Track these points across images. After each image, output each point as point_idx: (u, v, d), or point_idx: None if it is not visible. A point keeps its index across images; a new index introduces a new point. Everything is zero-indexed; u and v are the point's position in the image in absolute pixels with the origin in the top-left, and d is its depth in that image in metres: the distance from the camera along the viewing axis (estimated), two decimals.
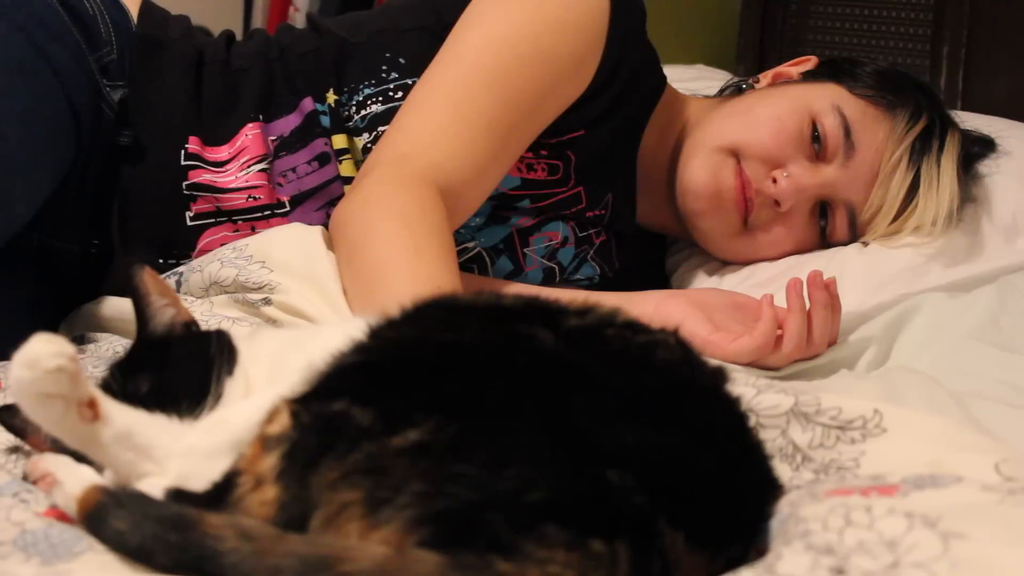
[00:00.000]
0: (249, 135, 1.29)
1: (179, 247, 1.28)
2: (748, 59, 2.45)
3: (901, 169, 1.30)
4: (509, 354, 0.68)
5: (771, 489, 0.71)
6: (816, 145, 1.31)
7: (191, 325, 0.82)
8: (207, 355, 0.75)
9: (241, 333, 0.82)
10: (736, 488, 0.66)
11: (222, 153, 1.29)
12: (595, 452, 0.61)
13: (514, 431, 0.61)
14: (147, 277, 0.80)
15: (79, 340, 1.20)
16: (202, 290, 1.18)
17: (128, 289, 0.81)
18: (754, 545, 0.67)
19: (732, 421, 0.72)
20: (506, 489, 0.58)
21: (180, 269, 1.23)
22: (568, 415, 0.63)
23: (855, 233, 1.35)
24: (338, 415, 0.63)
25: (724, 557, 0.64)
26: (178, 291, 1.21)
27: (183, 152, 1.27)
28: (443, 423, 0.61)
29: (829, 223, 1.35)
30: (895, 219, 1.31)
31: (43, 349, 0.64)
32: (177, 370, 0.76)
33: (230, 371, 0.75)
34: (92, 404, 0.67)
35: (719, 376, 0.76)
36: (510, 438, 0.61)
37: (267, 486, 0.63)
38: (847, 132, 1.30)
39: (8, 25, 1.17)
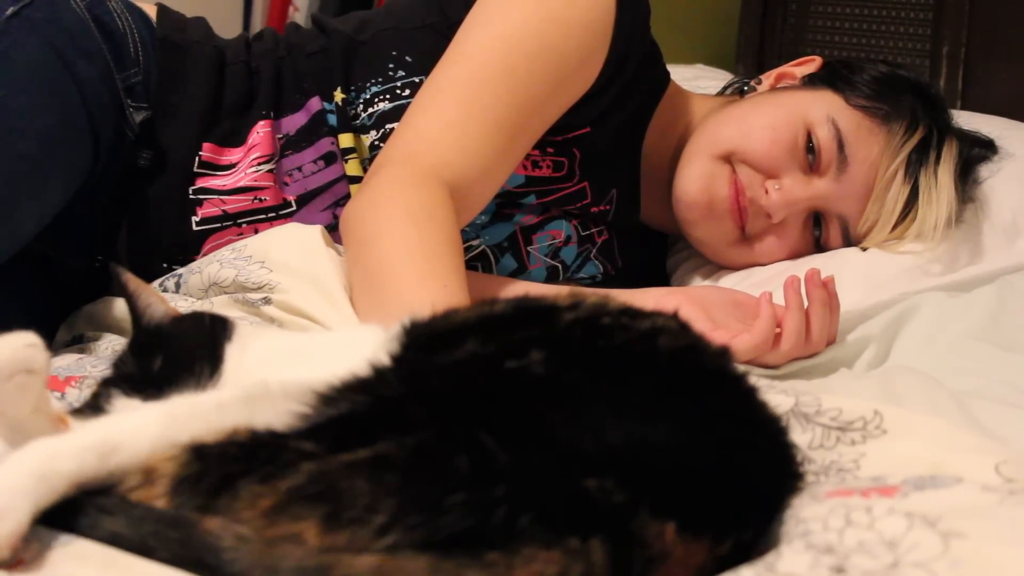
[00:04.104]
0: (260, 132, 1.29)
1: (184, 252, 1.28)
2: (748, 59, 2.45)
3: (897, 183, 1.29)
4: (490, 390, 0.67)
5: (786, 469, 0.71)
6: (810, 156, 1.31)
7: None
8: (206, 328, 0.78)
9: (251, 328, 0.83)
10: (741, 471, 0.66)
11: (236, 155, 1.29)
12: (574, 462, 0.61)
13: (493, 449, 0.61)
14: (130, 278, 0.82)
15: (79, 339, 1.20)
16: (201, 291, 1.18)
17: (116, 289, 0.83)
18: (768, 528, 0.67)
19: (739, 403, 0.72)
20: (484, 499, 0.58)
21: (179, 271, 1.23)
22: (551, 429, 0.63)
23: (849, 243, 1.35)
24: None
25: (731, 541, 0.63)
26: (177, 292, 1.21)
27: (197, 159, 1.28)
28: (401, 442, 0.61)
29: (823, 233, 1.35)
30: (893, 230, 1.31)
31: (13, 337, 0.66)
32: (183, 342, 0.78)
33: (229, 337, 0.78)
34: (63, 420, 0.69)
35: (724, 358, 0.76)
36: (486, 455, 0.61)
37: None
38: (840, 145, 1.30)
39: (40, 41, 1.16)
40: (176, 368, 0.75)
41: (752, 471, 0.67)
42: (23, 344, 0.66)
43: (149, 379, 0.75)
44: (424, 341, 0.74)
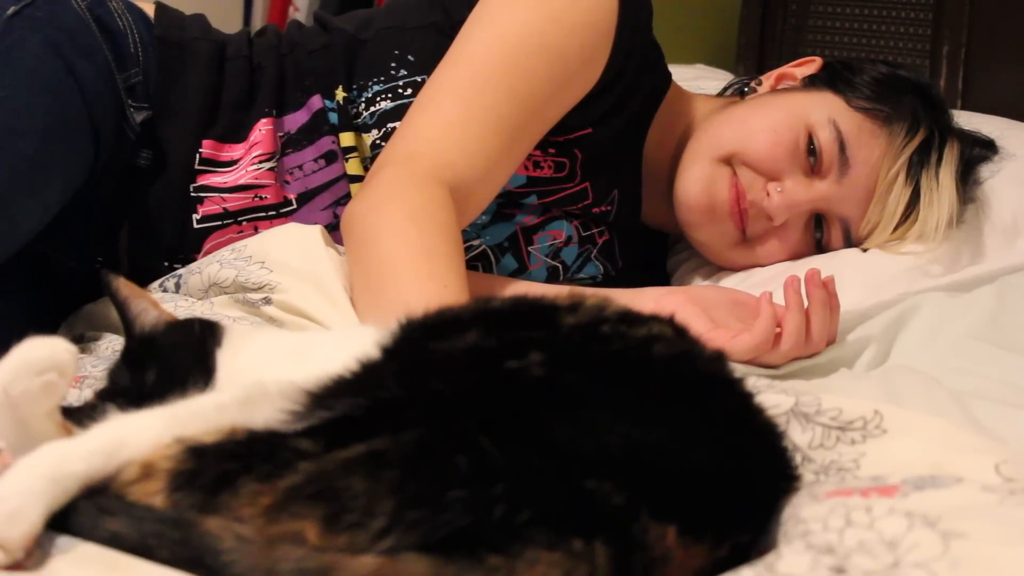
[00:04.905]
0: (262, 130, 1.29)
1: (184, 251, 1.28)
2: (748, 59, 2.45)
3: (898, 185, 1.29)
4: (489, 389, 0.68)
5: (781, 471, 0.71)
6: (812, 158, 1.30)
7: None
8: (196, 337, 0.79)
9: (241, 329, 0.83)
10: (739, 475, 0.66)
11: (237, 151, 1.29)
12: (573, 464, 0.61)
13: (491, 450, 0.61)
14: (121, 284, 0.83)
15: (79, 339, 1.19)
16: (201, 291, 1.18)
17: (108, 296, 0.83)
18: (765, 530, 0.67)
19: (735, 407, 0.72)
20: (483, 495, 0.58)
21: (179, 272, 1.23)
22: (550, 431, 0.63)
23: (850, 245, 1.35)
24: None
25: (730, 543, 0.63)
26: (177, 292, 1.21)
27: (197, 156, 1.27)
28: (399, 437, 0.61)
29: (824, 235, 1.35)
30: (894, 231, 1.31)
31: (51, 340, 0.68)
32: (175, 354, 0.78)
33: (219, 343, 0.78)
34: (67, 428, 0.70)
35: (719, 362, 0.76)
36: (484, 455, 0.61)
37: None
38: (841, 147, 1.30)
39: (41, 40, 1.16)
40: (170, 382, 0.75)
41: (749, 473, 0.68)
42: (62, 347, 0.68)
43: (144, 393, 0.75)
44: (421, 333, 0.74)
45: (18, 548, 0.59)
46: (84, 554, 0.61)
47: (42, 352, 0.67)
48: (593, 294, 0.79)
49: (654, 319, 0.76)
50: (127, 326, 0.82)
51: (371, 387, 0.68)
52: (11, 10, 1.15)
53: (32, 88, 1.14)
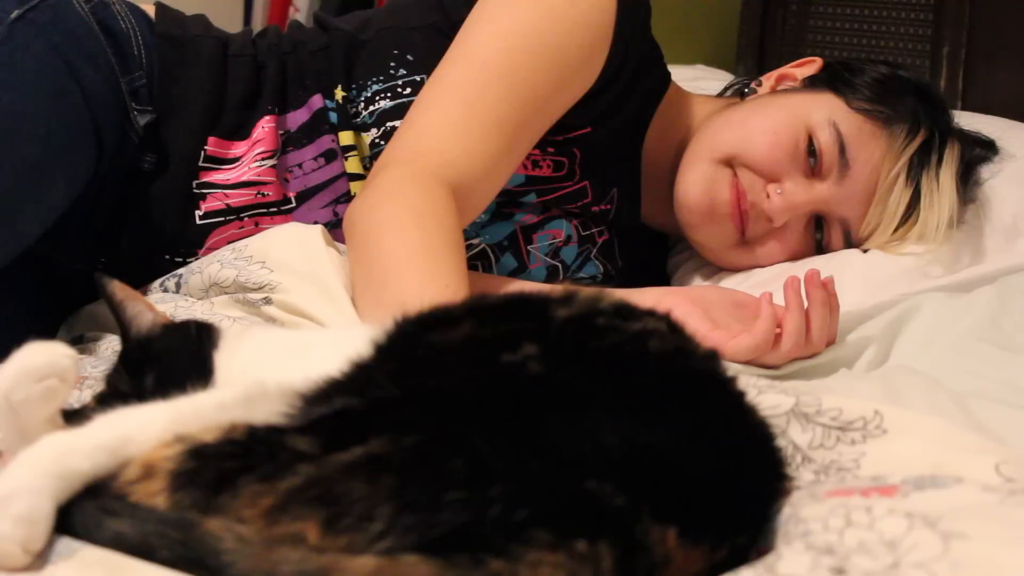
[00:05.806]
0: (265, 127, 1.30)
1: (186, 246, 1.28)
2: (748, 59, 2.45)
3: (899, 187, 1.29)
4: (488, 382, 0.67)
5: (775, 471, 0.71)
6: (812, 159, 1.31)
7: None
8: (193, 340, 0.79)
9: (236, 329, 0.83)
10: (735, 476, 0.66)
11: (240, 148, 1.29)
12: (572, 464, 0.61)
13: (489, 448, 0.61)
14: (116, 287, 0.83)
15: (79, 340, 1.20)
16: (202, 291, 1.18)
17: (103, 298, 0.83)
18: (761, 532, 0.67)
19: (729, 406, 0.72)
20: (486, 500, 0.58)
21: (180, 271, 1.23)
22: (546, 430, 0.63)
23: (851, 246, 1.35)
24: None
25: (728, 546, 0.63)
26: (177, 292, 1.21)
27: (202, 154, 1.28)
28: (398, 438, 0.61)
29: (825, 236, 1.35)
30: (895, 232, 1.31)
31: (51, 346, 0.68)
32: (172, 358, 0.78)
33: (216, 346, 0.78)
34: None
35: (712, 361, 0.76)
36: (480, 457, 0.61)
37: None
38: (842, 149, 1.30)
39: (44, 44, 1.16)
40: (169, 386, 0.74)
41: (745, 475, 0.67)
42: (63, 353, 0.68)
43: (144, 398, 0.74)
44: (415, 329, 0.74)
45: (38, 547, 0.59)
46: (85, 558, 0.61)
47: (43, 358, 0.67)
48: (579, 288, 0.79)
49: (650, 314, 0.76)
50: (123, 329, 0.82)
51: (367, 386, 0.68)
52: (14, 14, 1.15)
53: (36, 93, 1.14)
